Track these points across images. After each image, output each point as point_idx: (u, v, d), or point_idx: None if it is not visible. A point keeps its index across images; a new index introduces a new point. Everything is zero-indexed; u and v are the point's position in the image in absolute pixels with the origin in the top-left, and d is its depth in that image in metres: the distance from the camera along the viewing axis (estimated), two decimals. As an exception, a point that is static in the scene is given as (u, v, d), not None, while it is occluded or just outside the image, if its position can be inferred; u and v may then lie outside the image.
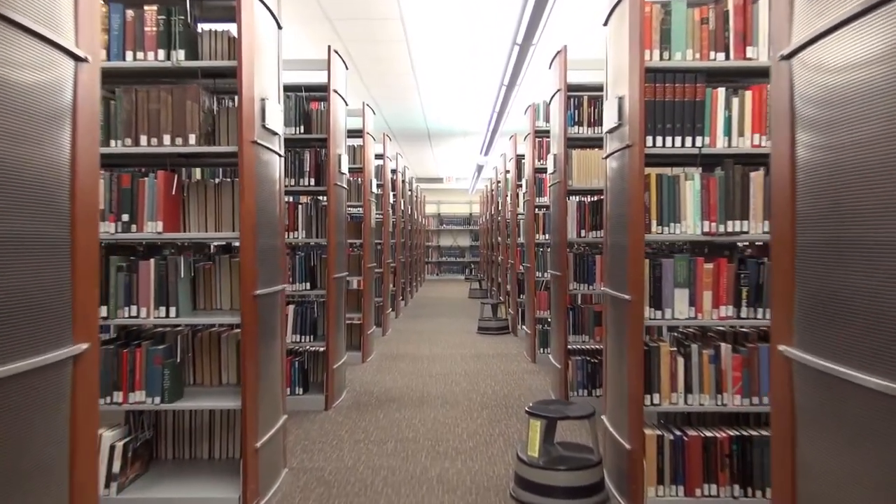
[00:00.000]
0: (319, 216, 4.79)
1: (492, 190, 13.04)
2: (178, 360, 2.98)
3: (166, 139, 2.87)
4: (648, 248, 3.16)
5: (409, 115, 10.57)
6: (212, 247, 3.64)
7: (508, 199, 8.62)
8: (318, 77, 4.71)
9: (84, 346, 1.67)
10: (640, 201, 2.77)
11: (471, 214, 20.80)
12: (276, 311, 3.23)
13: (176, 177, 2.96)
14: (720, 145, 2.83)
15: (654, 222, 2.84)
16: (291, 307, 4.68)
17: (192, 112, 2.87)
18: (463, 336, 8.20)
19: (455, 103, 9.64)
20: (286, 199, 5.11)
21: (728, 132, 2.83)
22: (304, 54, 6.46)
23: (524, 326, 7.90)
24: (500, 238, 11.35)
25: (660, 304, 2.84)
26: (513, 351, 7.11)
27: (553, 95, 4.90)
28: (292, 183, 4.69)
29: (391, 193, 9.27)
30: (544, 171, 6.63)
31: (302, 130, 4.72)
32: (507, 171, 9.84)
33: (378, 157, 8.16)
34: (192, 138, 2.87)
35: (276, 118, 3.17)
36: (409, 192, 12.64)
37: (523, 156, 8.07)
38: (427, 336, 8.17)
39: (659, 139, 2.84)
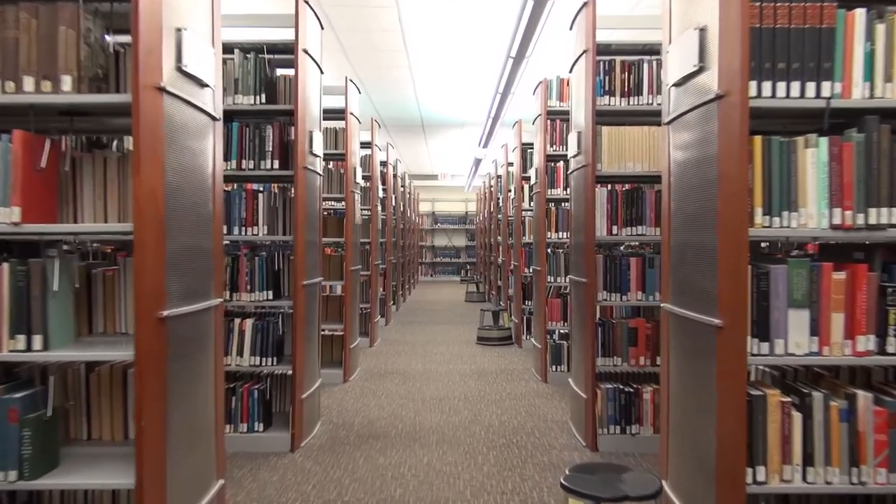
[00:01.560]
0: (287, 208, 3.84)
1: (490, 186, 12.11)
2: (50, 414, 2.02)
3: (27, 83, 1.91)
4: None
5: (401, 102, 9.61)
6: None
7: (512, 193, 7.68)
8: (285, 35, 3.76)
9: None
10: (740, 178, 1.84)
11: (466, 213, 19.86)
12: (203, 337, 2.28)
13: (49, 142, 2.00)
14: (857, 95, 1.91)
15: (758, 211, 1.91)
16: (250, 322, 3.73)
17: (68, 43, 1.92)
18: (461, 347, 7.25)
19: (452, 86, 8.70)
20: (240, 186, 4.16)
21: (869, 76, 1.90)
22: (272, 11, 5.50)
23: (531, 338, 6.97)
24: (500, 238, 10.43)
25: (765, 334, 1.90)
26: (518, 366, 6.17)
27: (576, 60, 3.97)
28: (251, 166, 3.73)
29: (380, 187, 8.31)
30: (557, 158, 5.69)
31: (263, 100, 3.77)
32: (510, 164, 8.92)
33: (365, 145, 7.21)
34: (67, 82, 1.91)
35: (201, 60, 2.21)
36: (402, 188, 11.70)
37: (531, 144, 7.14)
38: (420, 348, 7.22)
39: (766, 87, 1.90)
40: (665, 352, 2.51)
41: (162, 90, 1.95)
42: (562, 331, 5.56)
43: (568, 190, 5.66)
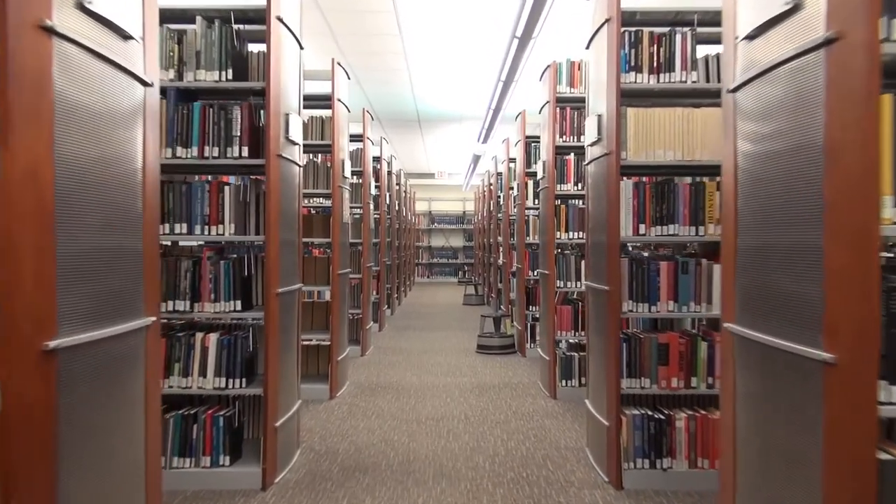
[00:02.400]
0: (261, 204, 3.29)
1: (489, 184, 11.58)
2: None
3: None
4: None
5: (396, 95, 9.07)
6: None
7: (515, 190, 7.14)
8: (258, 1, 3.20)
9: None
10: (865, 155, 1.29)
11: (464, 213, 19.32)
12: (124, 369, 1.73)
13: None
14: None
15: (886, 201, 1.36)
16: (214, 337, 3.17)
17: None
18: (459, 357, 6.70)
19: (451, 76, 8.16)
20: (202, 178, 3.61)
21: None
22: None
23: (536, 346, 6.43)
24: (500, 238, 9.89)
25: (896, 372, 1.36)
26: (523, 379, 5.62)
27: (596, 32, 3.42)
28: (216, 153, 3.18)
29: (373, 184, 7.76)
30: (568, 150, 5.15)
31: (230, 76, 3.21)
32: (512, 160, 8.39)
33: (356, 138, 6.66)
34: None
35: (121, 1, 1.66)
36: (397, 186, 11.15)
37: (535, 137, 6.60)
38: (416, 357, 6.67)
39: (897, 26, 1.35)
40: (728, 384, 1.97)
41: (51, 31, 1.39)
42: (571, 340, 5.02)
43: (580, 185, 5.11)
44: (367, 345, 6.80)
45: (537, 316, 6.78)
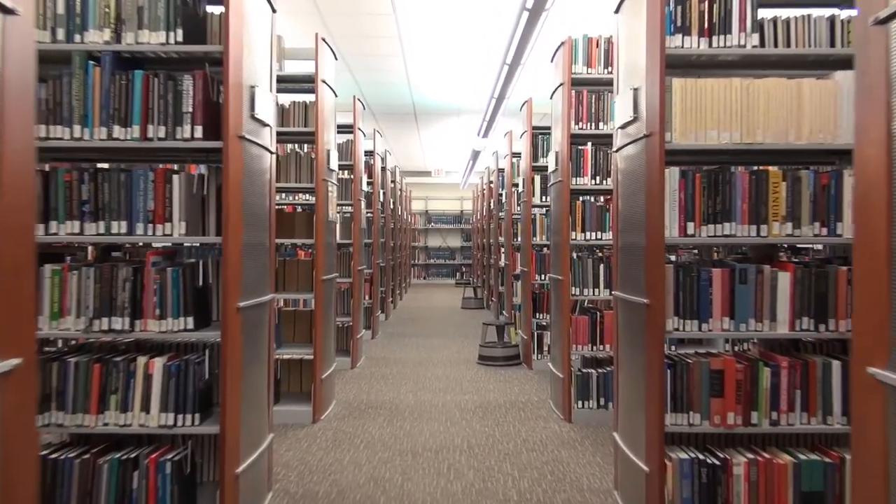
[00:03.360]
0: (221, 198, 2.66)
1: (489, 181, 10.97)
2: None
3: None
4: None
5: (390, 85, 8.46)
6: None
7: (520, 186, 6.53)
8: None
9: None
10: None
11: (462, 212, 18.72)
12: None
13: None
14: None
15: None
16: (159, 363, 2.55)
17: None
18: (459, 369, 6.09)
19: (450, 62, 7.55)
20: (153, 165, 3.00)
21: None
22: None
23: (547, 361, 5.85)
24: (501, 238, 9.29)
25: None
26: (532, 397, 5.01)
27: (631, -12, 2.82)
28: (161, 134, 2.55)
29: (365, 179, 7.14)
30: (585, 139, 4.54)
31: (180, 38, 2.59)
32: (516, 154, 7.79)
33: (345, 129, 6.04)
34: None
35: None
36: (392, 184, 10.54)
37: (544, 128, 6.00)
38: (411, 369, 6.05)
39: None
40: (859, 429, 1.36)
41: None
42: (587, 355, 4.40)
43: (598, 178, 4.50)
44: (357, 356, 6.18)
45: (544, 324, 6.18)
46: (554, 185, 4.69)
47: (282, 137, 4.63)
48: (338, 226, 5.96)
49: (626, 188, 2.97)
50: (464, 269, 18.39)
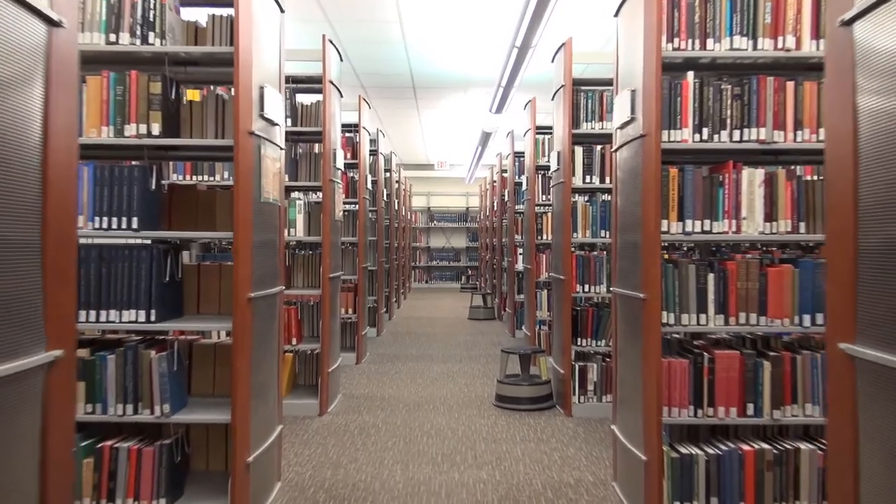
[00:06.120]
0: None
1: (501, 170, 9.29)
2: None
3: None
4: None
5: (383, 50, 6.73)
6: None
7: (555, 164, 4.83)
8: None
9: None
10: None
11: (467, 209, 17.03)
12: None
13: None
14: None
15: None
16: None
17: None
18: (470, 416, 4.38)
19: (455, 20, 5.84)
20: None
21: None
22: None
23: (591, 401, 4.21)
24: (519, 237, 7.60)
25: None
26: (584, 473, 3.31)
27: None
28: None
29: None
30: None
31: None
32: (542, 129, 6.13)
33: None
34: None
35: None
36: (388, 174, 8.86)
37: (590, 82, 4.34)
38: (402, 419, 4.35)
39: None
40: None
41: None
42: (686, 421, 2.68)
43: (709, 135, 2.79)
44: (329, 396, 4.48)
45: (588, 352, 4.50)
46: (627, 151, 2.95)
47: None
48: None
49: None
50: (469, 273, 16.72)
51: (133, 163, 2.90)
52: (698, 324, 2.63)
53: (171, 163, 4.48)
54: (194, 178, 4.65)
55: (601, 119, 4.47)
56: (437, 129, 11.78)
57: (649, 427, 2.56)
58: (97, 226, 2.54)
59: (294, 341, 4.37)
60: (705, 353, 2.64)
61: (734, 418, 2.61)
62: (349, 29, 6.18)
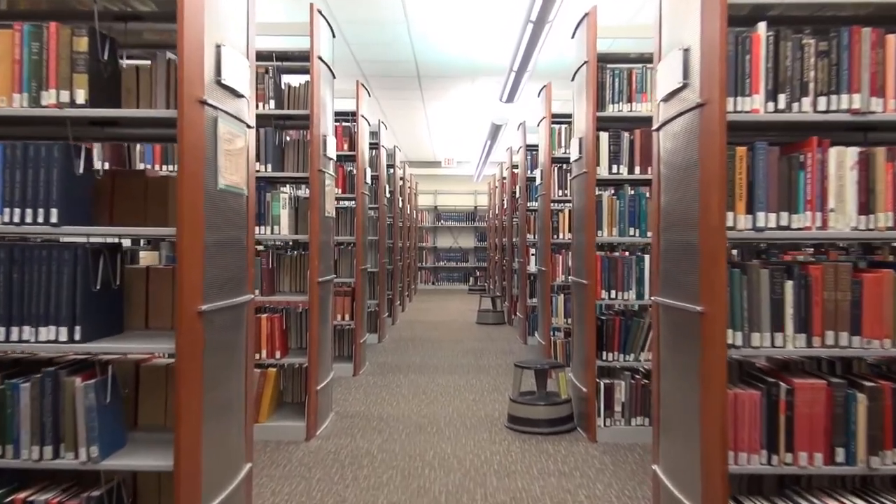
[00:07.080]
0: None
1: (512, 166, 8.71)
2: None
3: None
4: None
5: (386, 34, 6.16)
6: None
7: (578, 153, 4.25)
8: None
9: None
10: None
11: (476, 208, 16.46)
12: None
13: None
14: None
15: None
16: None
17: None
18: (480, 441, 3.82)
19: (462, 4, 5.27)
20: None
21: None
22: None
23: (618, 424, 3.66)
24: (531, 236, 7.03)
25: None
26: (614, 518, 2.74)
27: None
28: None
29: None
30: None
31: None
32: (559, 118, 5.58)
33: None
34: None
35: None
36: (391, 170, 8.32)
37: (616, 56, 3.78)
38: (401, 445, 3.79)
39: None
40: None
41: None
42: (756, 467, 2.10)
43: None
44: (317, 417, 3.93)
45: (615, 367, 3.93)
46: (688, 114, 2.37)
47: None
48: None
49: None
50: (478, 273, 16.16)
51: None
52: (773, 345, 2.06)
53: (137, 151, 3.94)
54: (164, 167, 4.11)
55: (629, 100, 3.90)
56: (443, 123, 11.22)
57: (711, 478, 1.99)
58: (7, 219, 2.01)
59: (278, 354, 3.82)
60: (781, 383, 2.07)
61: (819, 466, 2.04)
62: (346, 5, 5.61)
